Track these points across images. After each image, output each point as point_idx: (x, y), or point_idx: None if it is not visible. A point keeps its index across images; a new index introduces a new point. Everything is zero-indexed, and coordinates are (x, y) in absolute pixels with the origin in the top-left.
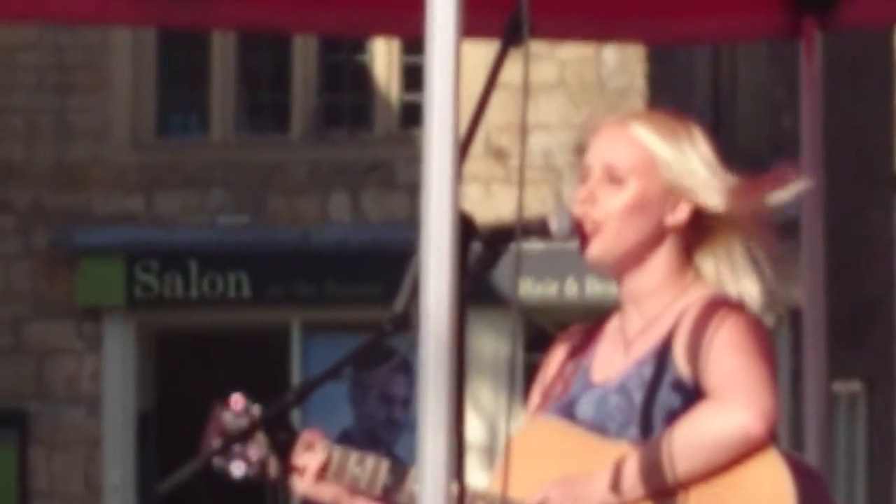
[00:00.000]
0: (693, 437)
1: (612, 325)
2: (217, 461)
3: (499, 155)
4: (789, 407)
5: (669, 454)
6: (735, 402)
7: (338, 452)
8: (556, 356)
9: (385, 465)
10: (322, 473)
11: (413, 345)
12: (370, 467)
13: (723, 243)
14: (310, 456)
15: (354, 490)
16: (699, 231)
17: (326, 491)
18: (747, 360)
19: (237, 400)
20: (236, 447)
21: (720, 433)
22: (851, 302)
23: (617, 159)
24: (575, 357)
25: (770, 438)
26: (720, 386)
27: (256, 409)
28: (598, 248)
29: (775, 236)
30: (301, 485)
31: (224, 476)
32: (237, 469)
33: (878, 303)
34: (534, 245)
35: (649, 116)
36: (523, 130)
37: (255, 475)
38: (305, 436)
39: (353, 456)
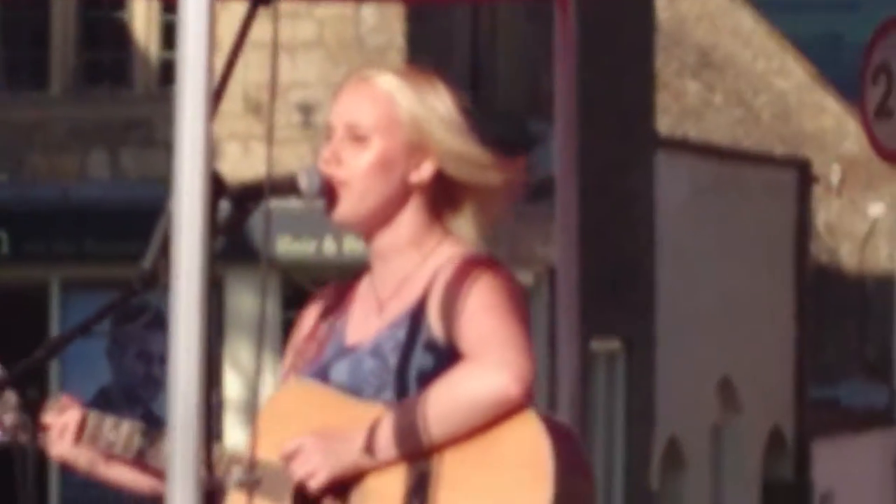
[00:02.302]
0: (449, 399)
1: (364, 286)
2: None
3: (258, 113)
4: (546, 366)
5: (425, 416)
6: (491, 365)
7: (93, 417)
8: (310, 316)
9: (139, 429)
10: (79, 435)
11: (168, 301)
12: (125, 432)
13: (469, 201)
14: (66, 417)
15: (110, 455)
16: (447, 189)
17: (82, 456)
18: (501, 321)
19: None
20: None
21: (476, 395)
22: (612, 261)
23: (359, 117)
24: (328, 318)
25: (527, 400)
26: (475, 348)
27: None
28: (343, 209)
29: (524, 197)
30: (57, 448)
31: None
32: None
33: (639, 262)
34: (292, 203)
35: (392, 72)
36: (273, 89)
37: (10, 441)
38: (62, 400)
39: (109, 420)
